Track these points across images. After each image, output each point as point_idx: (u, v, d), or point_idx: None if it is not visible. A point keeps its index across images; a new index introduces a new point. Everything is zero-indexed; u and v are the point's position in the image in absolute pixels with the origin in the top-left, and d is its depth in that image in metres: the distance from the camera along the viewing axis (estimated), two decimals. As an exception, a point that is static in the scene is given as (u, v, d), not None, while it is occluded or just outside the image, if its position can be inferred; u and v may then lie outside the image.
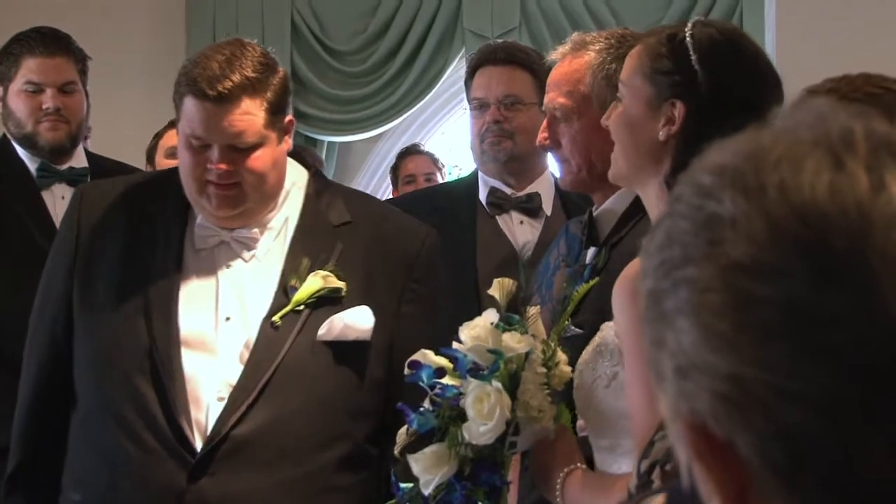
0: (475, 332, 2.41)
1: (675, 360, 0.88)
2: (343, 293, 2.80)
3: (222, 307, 2.80)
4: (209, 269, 2.84)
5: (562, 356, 2.43)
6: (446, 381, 2.42)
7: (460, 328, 2.44)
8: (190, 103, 2.76)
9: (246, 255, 2.85)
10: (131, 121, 5.94)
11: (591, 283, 2.58)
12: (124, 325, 2.79)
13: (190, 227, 2.87)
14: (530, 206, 3.80)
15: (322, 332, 2.78)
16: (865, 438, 0.82)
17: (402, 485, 2.44)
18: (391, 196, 6.08)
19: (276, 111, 2.81)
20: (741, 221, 0.85)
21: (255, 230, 2.85)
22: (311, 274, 2.79)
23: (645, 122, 2.33)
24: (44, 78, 4.03)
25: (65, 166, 4.04)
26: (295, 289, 2.79)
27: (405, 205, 4.08)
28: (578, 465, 2.41)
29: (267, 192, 2.83)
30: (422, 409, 2.43)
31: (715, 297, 0.85)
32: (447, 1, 6.89)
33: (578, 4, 6.82)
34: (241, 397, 2.73)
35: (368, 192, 7.12)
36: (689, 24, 2.35)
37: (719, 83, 2.29)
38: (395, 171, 5.95)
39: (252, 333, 2.78)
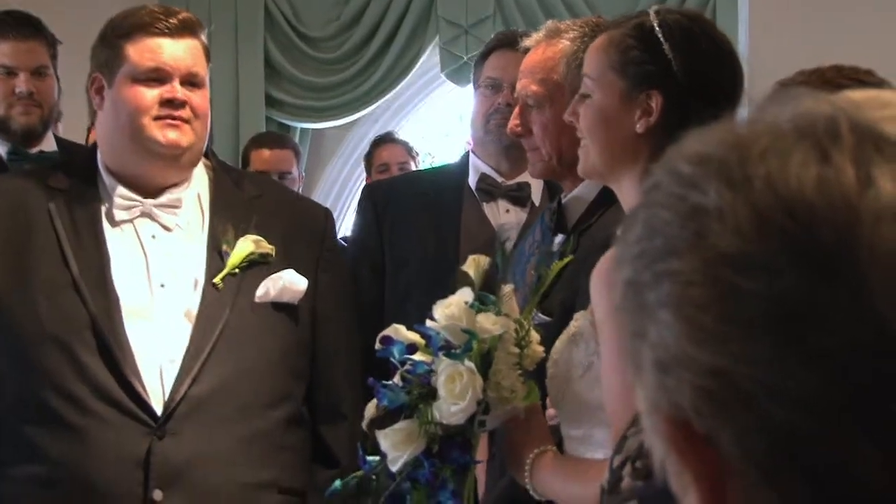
0: (449, 310, 2.41)
1: (655, 353, 0.87)
2: (272, 258, 2.90)
3: (154, 275, 2.87)
4: (133, 240, 2.90)
5: (534, 336, 2.43)
6: (417, 357, 2.42)
7: (434, 306, 2.44)
8: (143, 40, 2.87)
9: (170, 222, 2.91)
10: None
11: (566, 260, 2.58)
12: (55, 305, 2.81)
13: (104, 203, 2.91)
14: (519, 195, 3.78)
15: (260, 293, 2.89)
16: (851, 437, 0.81)
17: (369, 458, 2.45)
18: (364, 184, 6.08)
19: (208, 60, 2.97)
20: (727, 213, 0.84)
21: (178, 195, 2.91)
22: (241, 239, 2.89)
23: (620, 115, 2.31)
24: (17, 62, 4.01)
25: (35, 150, 4.02)
26: (228, 253, 2.88)
27: (390, 188, 4.09)
28: (549, 447, 2.42)
29: (202, 140, 2.94)
30: (390, 383, 2.43)
31: (699, 290, 0.84)
32: (421, -11, 6.88)
33: (552, -7, 6.82)
34: (193, 358, 2.81)
35: (341, 179, 7.13)
36: (653, 13, 2.33)
37: (695, 69, 2.28)
38: (368, 158, 5.94)
39: (188, 298, 2.85)
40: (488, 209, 3.80)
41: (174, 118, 2.87)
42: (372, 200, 3.97)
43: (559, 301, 2.63)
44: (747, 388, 0.82)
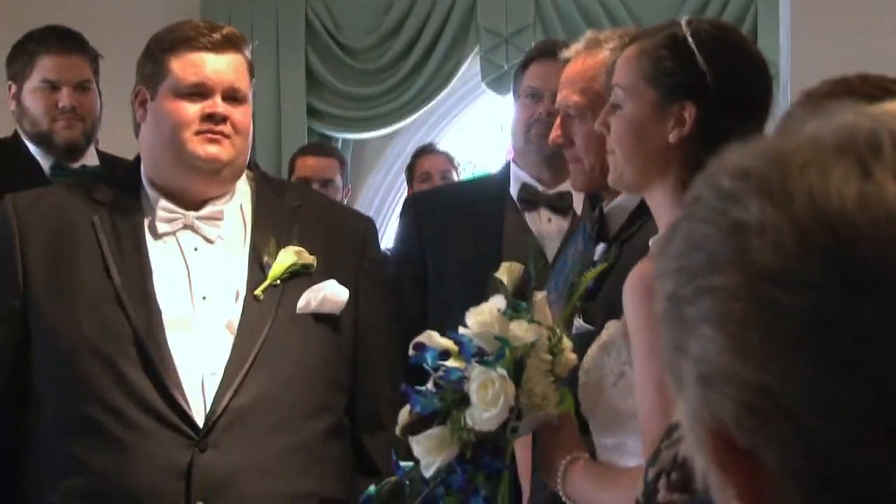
0: (482, 317, 2.41)
1: (698, 368, 0.87)
2: (313, 269, 2.91)
3: (196, 287, 2.88)
4: (175, 252, 2.91)
5: (567, 343, 2.42)
6: (450, 363, 2.42)
7: (467, 313, 2.44)
8: (186, 54, 2.88)
9: (212, 234, 2.92)
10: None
11: (599, 268, 2.57)
12: (97, 317, 2.83)
13: (147, 215, 2.93)
14: (561, 205, 3.77)
15: (301, 304, 2.90)
16: (892, 453, 0.80)
17: (403, 463, 2.46)
18: (406, 194, 6.09)
19: (251, 75, 2.98)
20: (769, 229, 0.83)
21: (220, 207, 2.93)
22: (282, 250, 2.89)
23: (652, 126, 2.30)
24: (60, 76, 4.04)
25: (77, 164, 4.04)
26: (269, 264, 2.88)
27: (431, 199, 4.10)
28: (582, 454, 2.41)
29: (243, 154, 2.95)
30: (423, 389, 2.44)
31: (742, 306, 0.84)
32: (461, -1, 6.89)
33: (593, 3, 6.81)
34: (235, 370, 2.82)
35: (383, 189, 7.14)
36: (684, 23, 2.32)
37: (728, 81, 2.28)
38: (410, 169, 5.95)
39: (229, 310, 2.86)
40: (530, 218, 3.79)
41: (214, 133, 2.87)
42: (413, 211, 3.98)
43: (602, 310, 2.63)
44: (789, 403, 0.82)
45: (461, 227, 3.78)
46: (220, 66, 2.89)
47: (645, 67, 2.31)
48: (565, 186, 3.75)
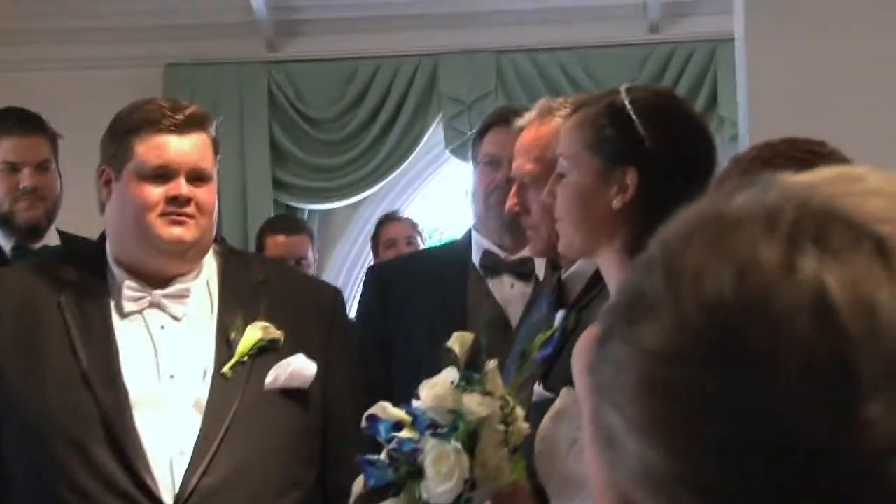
0: (435, 390, 2.41)
1: (603, 433, 0.88)
2: (280, 344, 2.90)
3: (163, 366, 2.87)
4: (142, 331, 2.90)
5: (519, 412, 2.43)
6: (404, 434, 2.42)
7: (420, 385, 2.44)
8: (150, 136, 2.88)
9: (179, 312, 2.91)
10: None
11: (547, 334, 2.58)
12: (65, 398, 2.82)
13: (113, 294, 2.92)
14: (523, 271, 3.77)
15: (269, 380, 2.89)
16: None
17: None
18: (371, 263, 6.09)
19: (216, 153, 2.98)
20: (657, 306, 0.85)
21: (187, 285, 2.92)
22: (249, 326, 2.89)
23: (596, 193, 2.33)
24: (20, 157, 4.04)
25: (39, 245, 4.04)
26: (237, 341, 2.88)
27: (394, 268, 4.10)
28: None
29: (208, 233, 2.95)
30: (377, 461, 2.44)
31: (628, 378, 0.85)
32: (423, 66, 6.93)
33: (554, 67, 6.87)
34: (204, 449, 2.80)
35: (350, 258, 7.15)
36: (623, 90, 2.37)
37: (667, 144, 2.32)
38: (374, 237, 5.96)
39: (197, 388, 2.85)
40: (493, 284, 3.79)
41: (179, 214, 2.88)
42: (376, 282, 3.98)
43: (561, 377, 2.63)
44: (667, 479, 0.84)
45: (425, 297, 3.78)
46: (183, 148, 2.90)
47: (587, 136, 2.35)
48: (527, 252, 3.76)
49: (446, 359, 2.48)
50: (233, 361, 2.87)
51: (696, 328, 0.83)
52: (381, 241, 5.87)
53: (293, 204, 7.01)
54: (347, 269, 7.13)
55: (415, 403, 2.43)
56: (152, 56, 6.81)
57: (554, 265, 3.71)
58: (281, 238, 5.37)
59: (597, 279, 2.77)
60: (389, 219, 6.01)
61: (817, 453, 0.80)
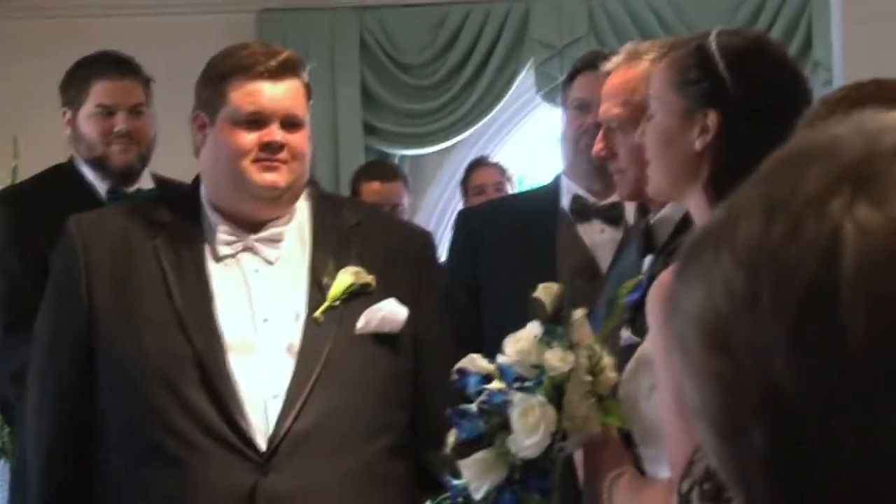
0: (519, 345, 2.42)
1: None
2: (372, 288, 2.91)
3: (257, 310, 2.89)
4: (236, 275, 2.93)
5: (607, 361, 2.43)
6: (493, 386, 2.44)
7: (505, 340, 2.45)
8: (244, 82, 2.89)
9: (272, 256, 2.94)
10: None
11: (633, 281, 2.58)
12: (160, 341, 2.85)
13: (207, 238, 2.95)
14: (613, 215, 3.77)
15: (360, 324, 2.90)
16: None
17: (455, 482, 2.47)
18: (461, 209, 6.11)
19: (309, 98, 2.99)
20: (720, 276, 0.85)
21: (280, 229, 2.95)
22: (341, 271, 2.90)
23: (679, 134, 2.34)
24: (115, 100, 4.08)
25: (133, 188, 4.08)
26: (328, 286, 2.89)
27: (483, 213, 4.11)
28: (626, 469, 2.42)
29: (301, 178, 2.96)
30: (469, 414, 2.45)
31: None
32: (514, 11, 6.91)
33: (645, 10, 6.81)
34: (296, 393, 2.83)
35: (441, 204, 7.17)
36: (714, 34, 2.37)
37: (748, 89, 2.31)
38: (464, 183, 5.98)
39: (290, 332, 2.87)
40: (582, 230, 3.79)
41: (272, 160, 2.90)
42: (466, 226, 3.99)
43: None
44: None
45: (514, 241, 3.79)
46: (276, 94, 2.91)
47: (673, 77, 2.36)
48: (617, 196, 3.75)
49: (533, 309, 2.49)
50: (325, 306, 2.88)
51: (728, 274, 0.82)
52: (471, 187, 5.88)
53: (384, 149, 7.03)
54: (438, 215, 7.15)
55: (499, 358, 2.44)
56: (246, 1, 6.85)
57: (643, 210, 3.70)
58: (376, 185, 5.40)
59: (685, 223, 2.76)
60: (479, 164, 6.02)
61: (802, 413, 0.79)
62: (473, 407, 2.44)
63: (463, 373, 2.47)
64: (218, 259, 2.93)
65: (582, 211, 3.80)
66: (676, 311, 0.86)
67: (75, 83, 4.11)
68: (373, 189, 5.39)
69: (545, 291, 2.50)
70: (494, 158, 6.31)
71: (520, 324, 3.59)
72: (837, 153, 0.81)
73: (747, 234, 0.81)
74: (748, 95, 2.30)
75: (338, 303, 2.90)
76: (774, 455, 0.80)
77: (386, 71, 7.00)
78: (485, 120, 7.00)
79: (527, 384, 2.40)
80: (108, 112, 4.08)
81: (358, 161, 6.62)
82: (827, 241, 0.78)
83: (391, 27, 7.00)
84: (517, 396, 2.38)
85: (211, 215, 2.97)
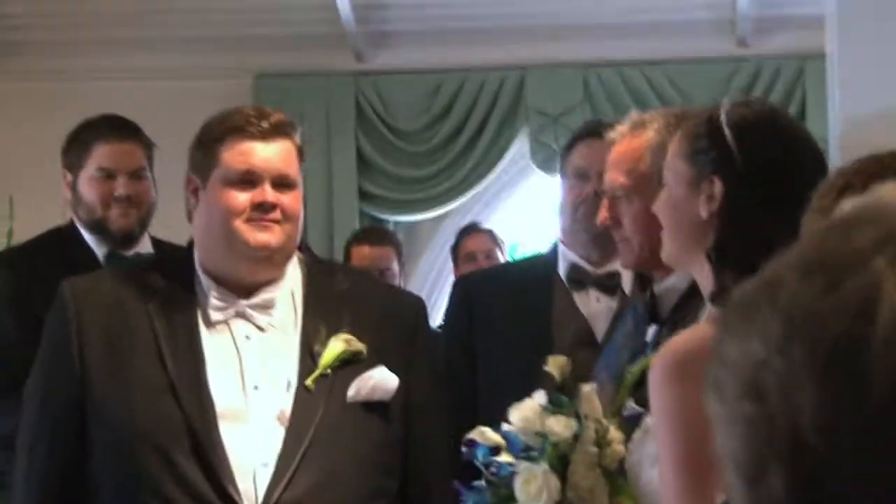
0: (523, 413, 2.43)
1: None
2: (363, 355, 2.91)
3: (248, 377, 2.89)
4: (227, 341, 2.92)
5: (615, 435, 2.43)
6: (501, 459, 2.43)
7: (510, 409, 2.46)
8: (236, 143, 2.91)
9: (263, 322, 2.93)
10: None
11: (646, 361, 2.59)
12: (151, 407, 2.84)
13: (200, 303, 2.95)
14: (610, 284, 3.77)
15: (352, 392, 2.89)
16: None
17: None
18: (455, 276, 6.11)
19: (301, 160, 3.00)
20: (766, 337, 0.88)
21: (271, 295, 2.94)
22: (333, 338, 2.90)
23: (687, 201, 2.38)
24: (116, 164, 4.08)
25: (132, 252, 4.08)
26: (320, 353, 2.89)
27: (480, 280, 4.11)
28: None
29: (293, 240, 2.97)
30: (476, 486, 2.45)
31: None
32: (510, 79, 6.94)
33: (640, 81, 6.86)
34: (287, 462, 2.82)
35: (435, 270, 7.17)
36: (727, 104, 2.41)
37: (754, 159, 2.34)
38: (455, 249, 5.98)
39: (281, 400, 2.87)
40: (579, 298, 3.79)
41: (265, 220, 2.91)
42: (463, 293, 3.99)
43: None
44: None
45: (510, 309, 3.79)
46: (269, 155, 2.92)
47: (684, 147, 2.41)
48: (614, 266, 3.76)
49: (544, 381, 2.50)
50: (316, 374, 2.88)
51: (766, 322, 0.86)
52: (461, 254, 5.88)
53: (379, 215, 7.05)
54: (432, 281, 7.15)
55: (504, 427, 2.44)
56: (242, 67, 6.89)
57: (642, 280, 3.71)
58: (366, 249, 5.39)
59: (691, 293, 2.77)
60: (470, 231, 6.02)
61: (824, 460, 0.81)
62: (482, 480, 2.44)
63: (471, 444, 2.47)
64: (210, 325, 2.93)
65: (579, 279, 3.80)
66: (717, 359, 0.89)
67: (77, 146, 4.11)
68: (363, 253, 5.39)
69: (554, 363, 2.51)
70: (488, 225, 6.32)
71: (516, 392, 3.60)
72: (885, 218, 0.85)
73: (789, 286, 0.85)
74: (752, 165, 2.33)
75: (329, 371, 2.89)
76: (794, 500, 0.81)
77: (381, 137, 7.02)
78: (479, 187, 7.02)
79: (532, 454, 2.40)
80: (108, 175, 4.08)
81: (352, 226, 6.63)
82: (865, 294, 0.81)
83: (387, 93, 7.03)
84: (522, 465, 2.38)
85: (204, 279, 2.97)
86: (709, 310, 2.31)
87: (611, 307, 3.75)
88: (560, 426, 2.39)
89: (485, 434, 2.49)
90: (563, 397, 2.47)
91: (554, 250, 3.92)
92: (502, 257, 5.86)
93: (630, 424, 2.53)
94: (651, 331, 2.80)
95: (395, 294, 3.35)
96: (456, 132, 6.99)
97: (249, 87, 6.92)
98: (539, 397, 2.47)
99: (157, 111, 5.99)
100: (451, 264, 6.95)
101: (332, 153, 6.94)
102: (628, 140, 2.88)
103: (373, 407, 2.91)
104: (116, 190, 4.06)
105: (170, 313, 2.92)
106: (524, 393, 3.53)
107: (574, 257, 3.82)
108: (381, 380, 2.91)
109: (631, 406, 2.67)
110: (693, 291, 2.77)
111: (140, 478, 2.82)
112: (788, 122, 2.47)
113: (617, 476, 2.44)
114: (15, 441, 3.02)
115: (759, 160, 2.34)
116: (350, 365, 2.91)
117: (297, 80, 7.00)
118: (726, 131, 2.35)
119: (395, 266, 5.38)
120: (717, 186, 2.33)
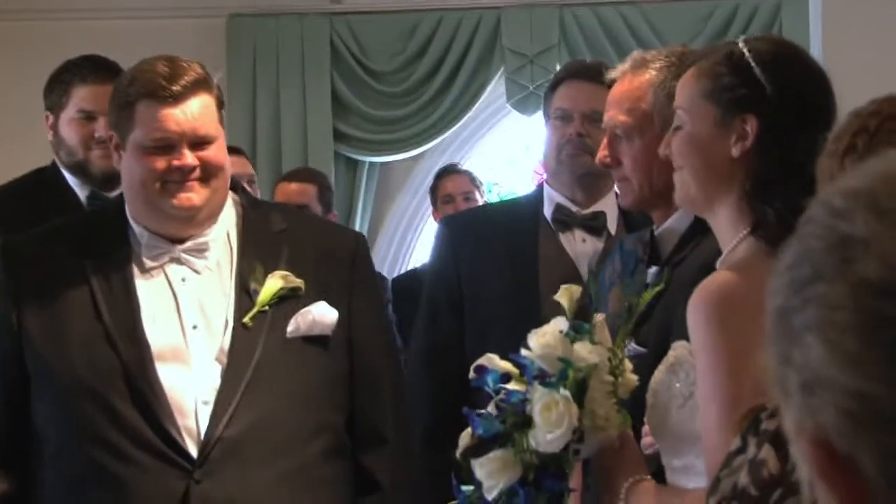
0: (545, 339, 2.41)
1: (801, 376, 0.89)
2: (301, 291, 2.91)
3: (186, 317, 2.89)
4: (163, 284, 2.92)
5: (628, 364, 2.43)
6: (511, 386, 2.42)
7: (528, 335, 2.44)
8: (148, 108, 2.88)
9: (199, 265, 2.93)
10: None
11: (655, 289, 2.57)
12: (88, 356, 2.85)
13: (134, 251, 2.95)
14: (595, 224, 3.77)
15: (291, 328, 2.89)
16: None
17: (463, 487, 2.46)
18: (432, 216, 6.10)
19: (220, 108, 2.97)
20: (873, 242, 0.87)
21: (205, 239, 2.94)
22: (269, 276, 2.90)
23: (714, 141, 2.34)
24: (96, 106, 4.02)
25: (114, 193, 4.04)
26: (257, 291, 2.89)
27: (465, 222, 4.09)
28: (645, 476, 2.41)
29: (221, 192, 2.95)
30: (486, 413, 2.44)
31: (844, 314, 0.87)
32: (486, 20, 6.91)
33: (617, 21, 6.83)
34: (227, 398, 2.82)
35: (409, 211, 7.16)
36: (742, 41, 2.37)
37: (787, 92, 2.31)
38: (433, 191, 5.96)
39: (220, 338, 2.87)
40: (564, 239, 3.78)
41: (185, 181, 2.89)
42: (448, 235, 3.97)
43: (655, 332, 2.62)
44: (888, 410, 0.85)
45: (497, 251, 3.77)
46: (183, 118, 2.88)
47: (705, 86, 2.35)
48: (599, 206, 3.76)
49: (553, 311, 2.48)
50: (254, 311, 2.87)
51: None
52: (440, 196, 5.87)
53: (353, 156, 7.02)
54: (406, 221, 7.14)
55: (523, 352, 2.42)
56: (216, 6, 6.82)
57: (628, 218, 3.71)
58: (288, 186, 5.39)
59: (689, 235, 2.76)
60: (448, 172, 6.00)
61: None
62: (490, 407, 2.43)
63: (481, 370, 2.46)
64: (144, 271, 2.93)
65: (564, 220, 3.79)
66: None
67: (57, 87, 4.05)
68: (285, 190, 5.38)
69: (566, 293, 2.49)
70: (464, 166, 6.30)
71: (503, 332, 3.59)
72: None
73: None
74: (787, 99, 2.31)
75: (267, 308, 2.89)
76: None
77: (356, 77, 6.98)
78: (455, 128, 7.00)
79: (549, 380, 2.38)
80: (88, 117, 4.02)
81: (327, 167, 6.60)
82: None
83: (362, 33, 6.99)
84: (539, 391, 2.37)
85: (136, 228, 2.97)
86: (749, 245, 2.28)
87: (597, 247, 3.75)
88: (586, 352, 2.38)
89: (493, 360, 2.47)
90: (584, 324, 2.45)
91: (539, 191, 3.90)
92: (481, 199, 5.85)
93: (633, 364, 2.52)
94: (651, 272, 2.79)
95: (334, 230, 3.31)
96: (431, 73, 6.95)
97: (223, 27, 6.86)
98: (559, 322, 2.44)
99: (130, 51, 5.87)
100: (426, 206, 6.95)
101: (307, 94, 6.90)
102: (629, 79, 2.86)
103: (314, 342, 2.91)
104: (97, 131, 4.00)
105: (105, 265, 2.92)
106: (512, 333, 3.54)
107: (559, 198, 3.81)
108: (320, 314, 2.91)
109: (633, 346, 2.66)
110: (692, 233, 2.76)
111: (82, 427, 2.82)
112: (806, 54, 2.45)
113: (624, 407, 2.44)
114: None
115: (791, 93, 2.32)
116: (289, 301, 2.90)
117: (270, 20, 6.95)
118: (754, 67, 2.31)
119: (316, 203, 5.34)
120: (752, 123, 2.31)
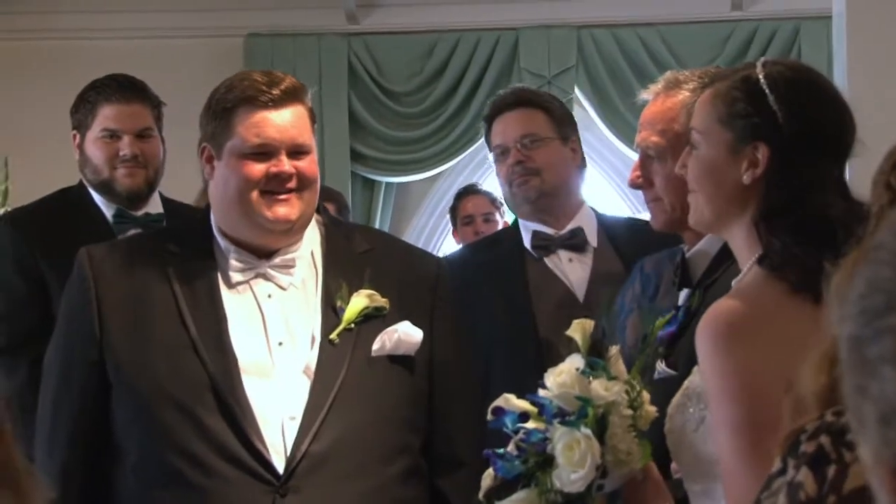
0: (561, 378, 2.41)
1: (877, 408, 0.88)
2: (386, 311, 2.92)
3: (272, 333, 2.89)
4: (249, 299, 2.92)
5: (645, 395, 2.43)
6: (530, 425, 2.42)
7: (545, 374, 2.44)
8: (248, 114, 2.89)
9: (285, 282, 2.93)
10: (189, 165, 5.98)
11: (666, 317, 2.58)
12: (173, 365, 2.84)
13: (220, 265, 2.95)
14: (575, 242, 3.79)
15: (376, 346, 2.90)
16: None
17: None
18: (451, 236, 6.10)
19: (313, 122, 2.98)
20: None
21: (292, 255, 2.94)
22: (355, 294, 2.90)
23: (727, 166, 2.32)
24: (121, 125, 4.04)
25: (141, 212, 4.05)
26: (342, 308, 2.90)
27: (454, 263, 4.09)
28: None
29: (312, 205, 2.95)
30: (505, 453, 2.43)
31: None
32: (504, 41, 6.92)
33: (634, 42, 6.83)
34: (314, 414, 2.82)
35: (426, 231, 7.16)
36: (759, 65, 2.34)
37: (800, 121, 2.29)
38: (453, 211, 5.97)
39: (306, 355, 2.87)
40: (550, 262, 3.80)
41: (282, 192, 2.89)
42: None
43: (684, 355, 2.62)
44: None
45: (488, 288, 3.79)
46: (282, 124, 2.89)
47: (719, 110, 2.33)
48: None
49: (567, 346, 2.49)
50: (340, 328, 2.88)
51: None
52: (460, 217, 5.87)
53: (370, 176, 7.02)
54: (423, 242, 7.14)
55: (541, 392, 2.43)
56: (233, 26, 6.84)
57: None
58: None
59: (721, 258, 2.75)
60: (468, 193, 6.01)
61: None
62: (510, 447, 2.42)
63: (498, 411, 2.46)
64: (230, 285, 2.93)
65: (544, 245, 3.81)
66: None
67: (83, 106, 4.08)
68: None
69: (579, 328, 2.49)
70: (482, 186, 6.30)
71: (507, 366, 3.58)
72: None
73: None
74: (798, 128, 2.28)
75: (353, 325, 2.89)
76: None
77: (374, 98, 6.99)
78: (472, 148, 7.00)
79: (569, 418, 2.38)
80: (113, 136, 4.04)
81: (345, 187, 6.61)
82: None
83: (379, 54, 7.00)
84: (560, 431, 2.37)
85: (222, 242, 2.96)
86: (755, 272, 2.28)
87: (584, 263, 3.76)
88: (604, 389, 2.37)
89: (510, 401, 2.47)
90: (598, 360, 2.45)
91: (516, 224, 3.93)
92: (500, 220, 5.84)
93: (662, 386, 2.52)
94: (682, 295, 2.78)
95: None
96: (449, 93, 6.96)
97: (240, 47, 6.87)
98: (575, 360, 2.44)
99: (148, 71, 5.92)
100: (442, 226, 6.96)
101: (325, 114, 6.90)
102: (662, 99, 2.86)
103: (398, 361, 2.91)
104: (121, 150, 4.02)
105: (189, 276, 2.92)
106: (513, 367, 3.54)
107: (534, 226, 3.84)
108: (405, 333, 2.91)
109: (663, 368, 2.66)
110: (723, 256, 2.75)
111: (165, 436, 2.81)
112: (823, 80, 2.41)
113: (645, 438, 2.44)
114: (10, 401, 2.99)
115: (804, 123, 2.29)
116: (373, 320, 2.91)
117: (288, 40, 6.96)
118: (768, 94, 2.29)
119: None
120: (762, 152, 2.28)
